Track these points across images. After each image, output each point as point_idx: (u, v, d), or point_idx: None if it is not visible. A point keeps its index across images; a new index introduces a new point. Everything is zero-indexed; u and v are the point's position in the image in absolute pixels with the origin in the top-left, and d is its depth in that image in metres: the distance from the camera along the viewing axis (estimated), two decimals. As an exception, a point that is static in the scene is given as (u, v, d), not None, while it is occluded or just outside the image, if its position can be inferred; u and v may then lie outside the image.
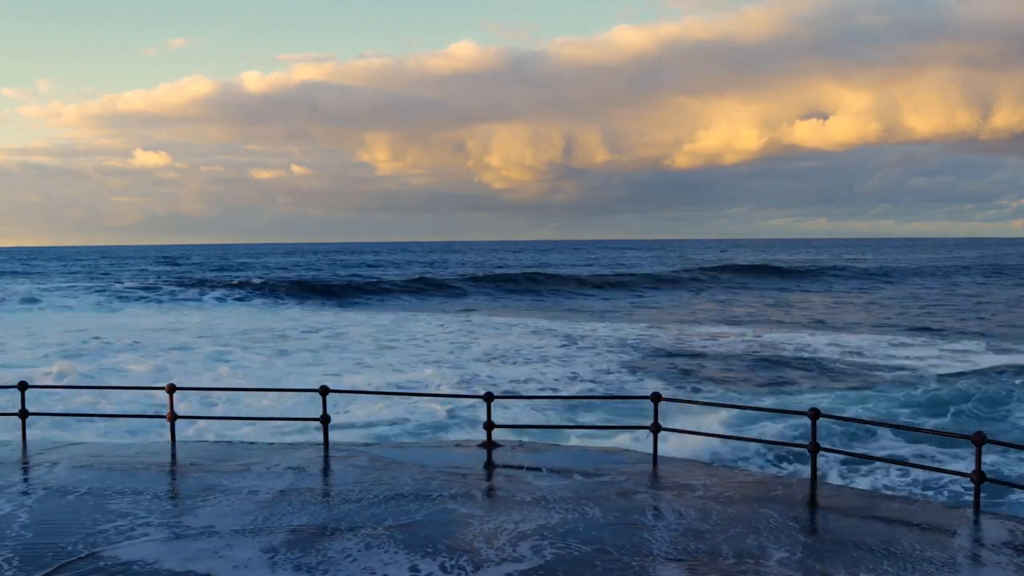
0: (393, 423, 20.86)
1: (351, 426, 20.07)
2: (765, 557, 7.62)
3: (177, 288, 68.11)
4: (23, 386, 12.76)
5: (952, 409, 22.91)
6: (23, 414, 12.68)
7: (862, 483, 15.68)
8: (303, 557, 7.63)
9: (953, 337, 40.01)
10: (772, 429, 19.19)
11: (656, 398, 11.35)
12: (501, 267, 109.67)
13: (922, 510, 9.41)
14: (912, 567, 7.39)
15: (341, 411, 20.78)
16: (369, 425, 20.54)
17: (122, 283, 74.29)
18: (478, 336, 40.75)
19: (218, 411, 20.20)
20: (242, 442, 12.96)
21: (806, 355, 34.44)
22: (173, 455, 11.93)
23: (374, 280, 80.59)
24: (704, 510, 9.04)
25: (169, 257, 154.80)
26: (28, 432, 12.87)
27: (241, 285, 70.67)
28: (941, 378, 28.30)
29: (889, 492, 14.36)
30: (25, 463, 11.52)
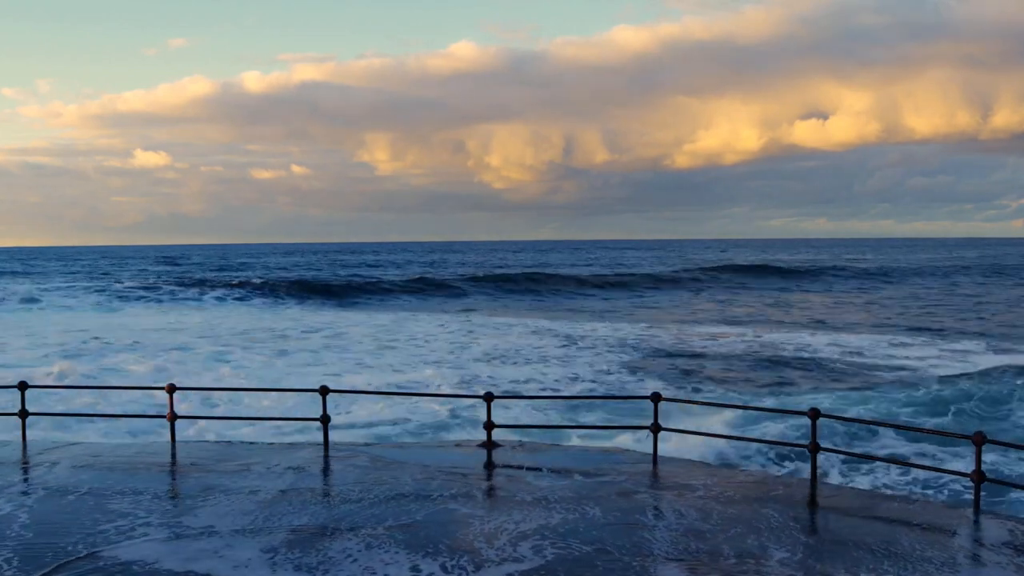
0: (394, 423, 20.86)
1: (352, 426, 20.07)
2: (766, 557, 7.62)
3: (177, 288, 68.10)
4: (23, 386, 12.75)
5: (952, 409, 22.90)
6: (23, 414, 12.68)
7: (862, 483, 15.68)
8: (303, 557, 7.62)
9: (953, 337, 40.01)
10: (772, 429, 19.18)
11: (656, 398, 11.35)
12: (501, 267, 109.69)
13: (922, 510, 9.41)
14: (912, 567, 7.39)
15: (342, 411, 20.78)
16: (370, 425, 20.54)
17: (122, 283, 74.29)
18: (478, 336, 40.75)
19: (218, 411, 20.19)
20: (242, 442, 12.96)
21: (806, 355, 34.44)
22: (173, 455, 11.93)
23: (374, 280, 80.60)
24: (705, 510, 9.03)
25: (169, 257, 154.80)
26: (28, 432, 12.87)
27: (241, 285, 70.67)
28: (941, 378, 28.31)
29: (889, 492, 14.35)
30: (25, 463, 11.52)
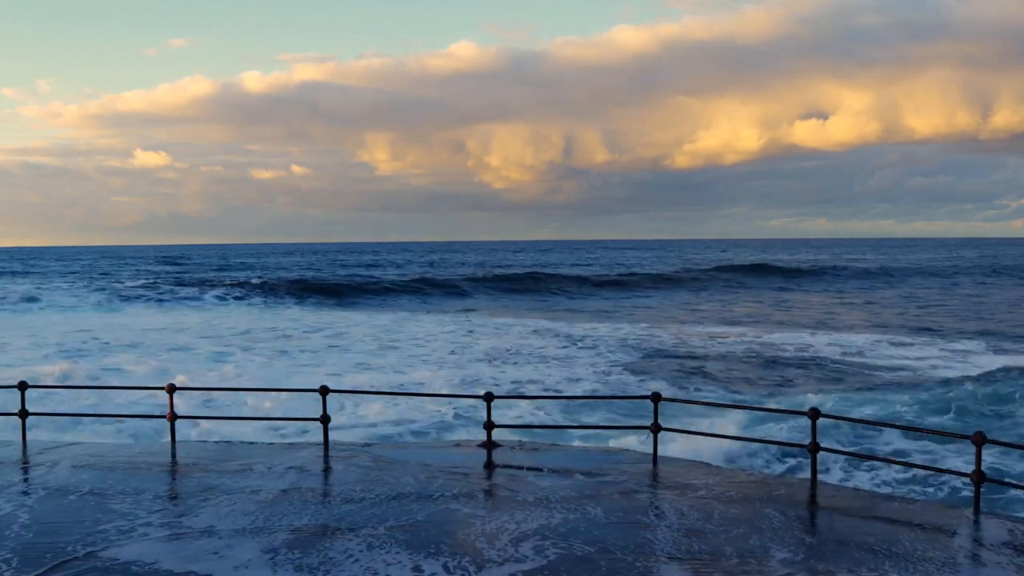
0: (396, 423, 20.87)
1: (354, 426, 20.08)
2: (768, 557, 7.62)
3: (177, 288, 68.10)
4: (23, 386, 12.75)
5: (953, 409, 22.91)
6: (23, 414, 12.68)
7: (863, 483, 15.69)
8: (304, 558, 7.62)
9: (953, 337, 40.02)
10: (773, 429, 19.19)
11: (656, 398, 11.35)
12: (501, 267, 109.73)
13: (922, 510, 9.41)
14: (913, 567, 7.39)
15: (344, 411, 20.80)
16: (372, 425, 20.55)
17: (122, 283, 74.31)
18: (479, 336, 40.76)
19: (218, 411, 20.19)
20: (243, 442, 12.96)
21: (806, 355, 34.46)
22: (173, 455, 11.93)
23: (374, 280, 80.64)
24: (706, 510, 9.04)
25: (169, 257, 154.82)
26: (28, 432, 12.87)
27: (241, 285, 70.69)
28: (941, 378, 28.32)
29: (890, 492, 14.37)
30: (25, 463, 11.52)
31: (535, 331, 42.65)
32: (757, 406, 20.56)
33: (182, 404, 14.93)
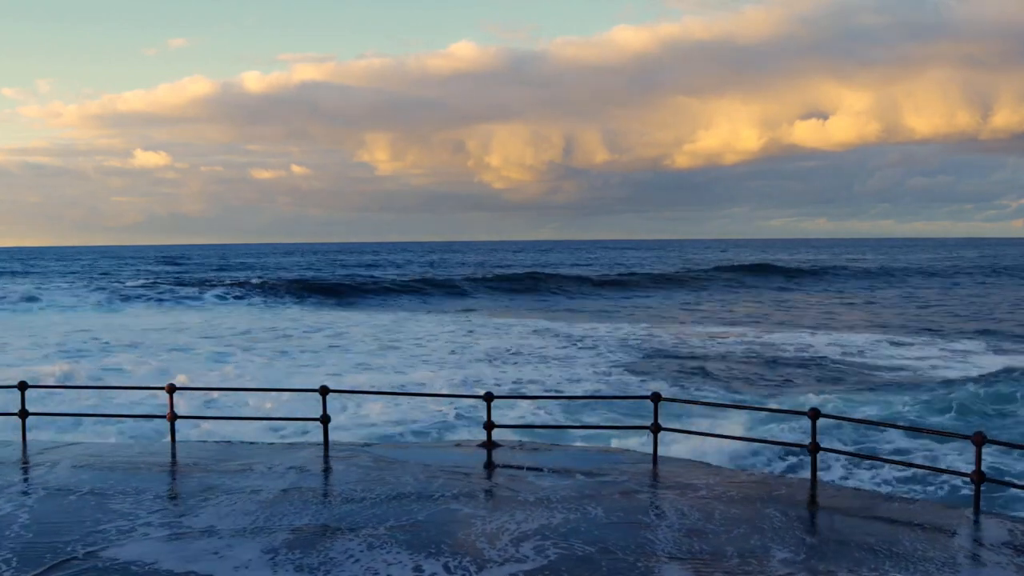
0: (396, 424, 20.87)
1: (355, 426, 20.08)
2: (769, 557, 7.62)
3: (177, 288, 68.10)
4: (23, 386, 12.75)
5: (953, 409, 22.91)
6: (23, 414, 12.68)
7: (863, 483, 15.68)
8: (304, 558, 7.62)
9: (953, 337, 40.01)
10: (773, 429, 19.19)
11: (656, 398, 11.35)
12: (501, 267, 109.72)
13: (922, 510, 9.41)
14: (913, 567, 7.39)
15: (345, 411, 20.80)
16: (373, 425, 20.55)
17: (122, 283, 74.30)
18: (479, 336, 40.76)
19: (219, 411, 20.19)
20: (243, 442, 12.95)
21: (807, 355, 34.46)
22: (173, 455, 11.93)
23: (374, 280, 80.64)
24: (707, 510, 9.04)
25: (169, 257, 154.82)
26: (29, 432, 12.87)
27: (241, 285, 70.70)
28: (942, 378, 28.32)
29: (890, 492, 14.36)
30: (25, 463, 11.52)
31: (535, 331, 42.65)
32: (757, 406, 20.56)
33: (182, 404, 14.94)
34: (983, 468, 9.19)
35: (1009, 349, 35.53)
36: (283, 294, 66.25)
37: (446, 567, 7.37)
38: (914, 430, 16.99)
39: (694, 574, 7.23)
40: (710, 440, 14.82)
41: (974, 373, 28.88)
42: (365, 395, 22.02)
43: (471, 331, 43.00)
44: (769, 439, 16.43)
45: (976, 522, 8.80)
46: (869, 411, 22.79)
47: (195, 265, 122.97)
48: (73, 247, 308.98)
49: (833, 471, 16.39)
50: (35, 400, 15.75)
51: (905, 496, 12.32)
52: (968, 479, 9.38)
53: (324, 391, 12.07)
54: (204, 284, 71.60)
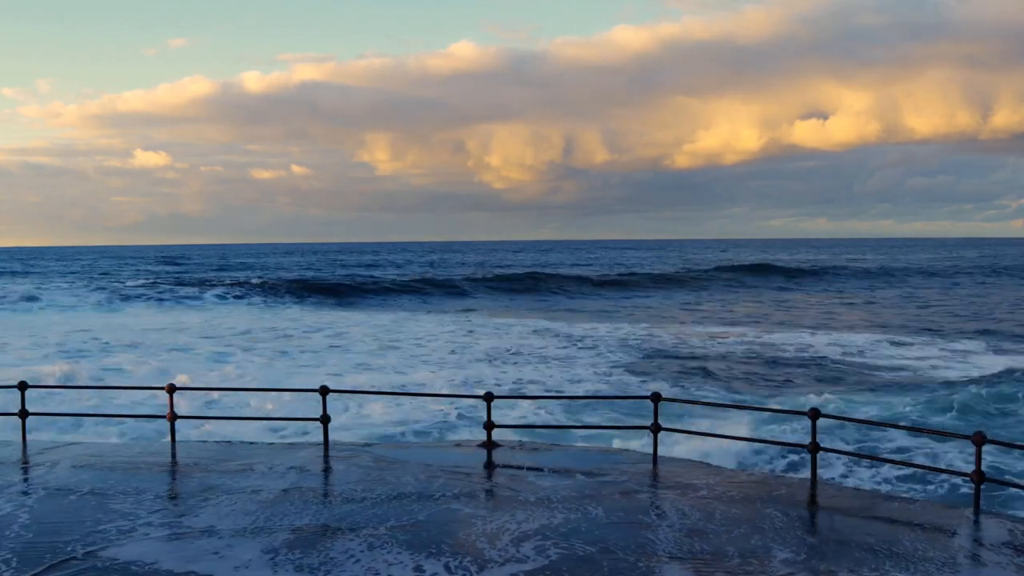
0: (397, 424, 20.86)
1: (355, 426, 20.07)
2: (769, 557, 7.62)
3: (177, 288, 68.10)
4: (23, 386, 12.75)
5: (953, 409, 22.90)
6: (23, 414, 12.67)
7: (863, 483, 15.68)
8: (305, 558, 7.61)
9: (953, 337, 40.01)
10: (773, 429, 19.19)
11: (656, 398, 11.35)
12: (501, 267, 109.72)
13: (923, 510, 9.41)
14: (914, 567, 7.39)
15: (345, 411, 20.79)
16: (374, 425, 20.55)
17: (122, 283, 74.30)
18: (479, 336, 40.76)
19: (219, 411, 20.18)
20: (243, 442, 12.95)
21: (807, 355, 34.46)
22: (174, 455, 11.93)
23: (374, 280, 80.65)
24: (707, 510, 9.03)
25: (169, 257, 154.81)
26: (29, 432, 12.87)
27: (241, 285, 70.70)
28: (942, 378, 28.32)
29: (890, 491, 14.36)
30: (25, 463, 11.51)
31: (535, 331, 42.65)
32: (758, 406, 20.56)
33: (183, 404, 14.94)
34: (983, 468, 9.19)
35: (1009, 349, 35.53)
36: (283, 294, 66.25)
37: (447, 567, 7.37)
38: (914, 430, 16.98)
39: (695, 574, 7.23)
40: (710, 440, 14.82)
41: (974, 373, 28.88)
42: (365, 395, 22.02)
43: (471, 331, 43.00)
44: (769, 439, 16.43)
45: (976, 522, 8.80)
46: (869, 411, 22.78)
47: (195, 265, 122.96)
48: (73, 247, 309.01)
49: (834, 470, 16.40)
50: (35, 400, 15.75)
51: (905, 496, 12.32)
52: (968, 479, 9.39)
53: (324, 391, 12.06)
54: (204, 284, 71.60)
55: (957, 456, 17.53)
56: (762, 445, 17.01)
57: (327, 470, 11.09)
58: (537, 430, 17.73)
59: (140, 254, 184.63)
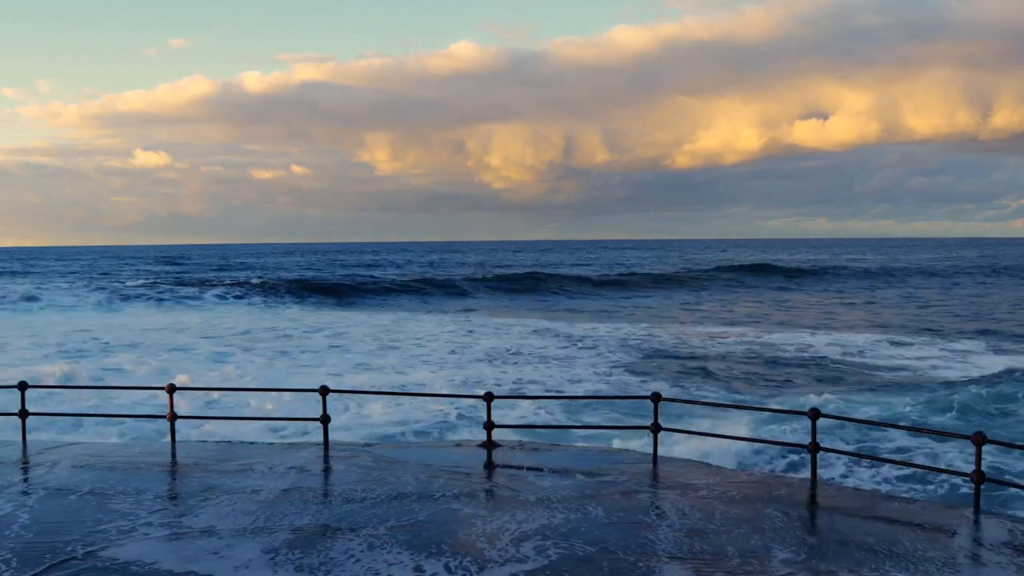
0: (397, 424, 20.86)
1: (355, 426, 20.07)
2: (769, 557, 7.62)
3: (177, 288, 68.09)
4: (23, 386, 12.75)
5: (953, 409, 22.90)
6: (23, 414, 12.67)
7: (863, 483, 15.68)
8: (305, 558, 7.61)
9: (953, 337, 40.01)
10: (774, 429, 19.18)
11: (656, 398, 11.34)
12: (501, 267, 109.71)
13: (923, 510, 9.41)
14: (914, 567, 7.39)
15: (345, 411, 20.79)
16: (374, 425, 20.55)
17: (122, 283, 74.29)
18: (479, 336, 40.76)
19: (219, 411, 20.19)
20: (243, 442, 12.95)
21: (807, 355, 34.45)
22: (174, 455, 11.92)
23: (374, 280, 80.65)
24: (707, 510, 9.03)
25: (169, 257, 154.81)
26: (29, 432, 12.86)
27: (241, 285, 70.70)
28: (942, 378, 28.32)
29: (890, 491, 14.36)
30: (25, 463, 11.51)
31: (535, 331, 42.64)
32: (758, 406, 20.56)
33: (183, 404, 14.93)
34: (983, 468, 9.19)
35: (1009, 349, 35.53)
36: (283, 294, 66.25)
37: (447, 567, 7.36)
38: (914, 430, 16.97)
39: (695, 574, 7.23)
40: (710, 440, 14.81)
41: (975, 373, 28.88)
42: (365, 395, 22.01)
43: (471, 331, 43.00)
44: (769, 439, 16.44)
45: (976, 522, 8.80)
46: (869, 411, 22.78)
47: (195, 265, 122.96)
48: (73, 247, 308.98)
49: (834, 470, 16.40)
50: (35, 400, 15.75)
51: (905, 496, 12.32)
52: (968, 479, 9.38)
53: (324, 391, 12.06)
54: (204, 284, 71.59)
55: (957, 456, 17.53)
56: (762, 445, 17.01)
57: (327, 470, 11.09)
58: (537, 430, 17.73)
59: (140, 254, 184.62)
